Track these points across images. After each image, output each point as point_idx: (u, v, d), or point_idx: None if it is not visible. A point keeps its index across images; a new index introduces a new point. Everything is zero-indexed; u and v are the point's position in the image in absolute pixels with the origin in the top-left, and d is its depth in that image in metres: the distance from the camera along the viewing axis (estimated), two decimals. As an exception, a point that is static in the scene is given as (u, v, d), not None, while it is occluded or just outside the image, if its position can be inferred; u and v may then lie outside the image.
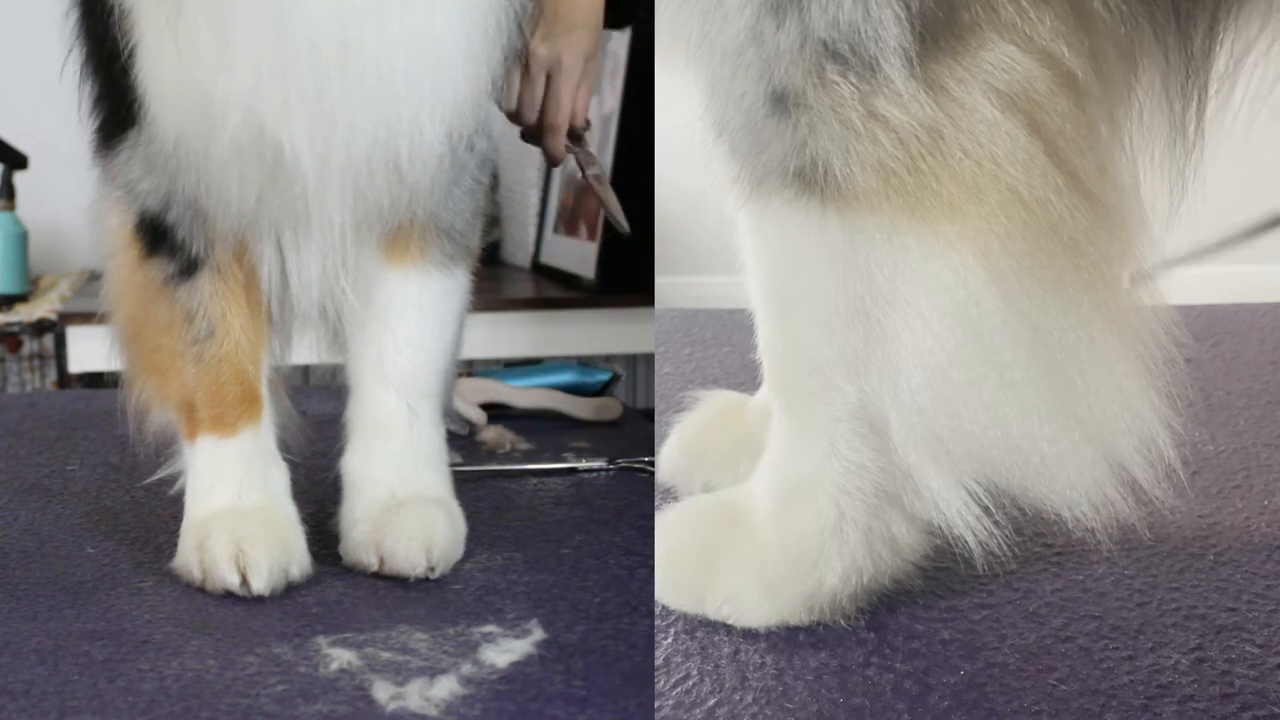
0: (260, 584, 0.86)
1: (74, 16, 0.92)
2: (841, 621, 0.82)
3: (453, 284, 0.97)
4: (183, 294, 0.91)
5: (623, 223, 1.07)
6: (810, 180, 0.76)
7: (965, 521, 0.79)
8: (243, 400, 0.92)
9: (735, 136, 0.79)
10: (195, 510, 0.92)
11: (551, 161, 1.08)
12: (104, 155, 0.92)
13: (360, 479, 0.95)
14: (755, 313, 0.83)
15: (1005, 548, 0.81)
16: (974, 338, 0.76)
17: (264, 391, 0.94)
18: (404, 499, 0.93)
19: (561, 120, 1.05)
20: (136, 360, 0.96)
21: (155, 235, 0.91)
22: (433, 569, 0.90)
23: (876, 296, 0.77)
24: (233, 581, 0.86)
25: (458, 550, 0.93)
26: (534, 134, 1.06)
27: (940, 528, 0.81)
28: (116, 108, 0.90)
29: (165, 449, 0.97)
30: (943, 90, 0.74)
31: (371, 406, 0.95)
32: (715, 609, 0.83)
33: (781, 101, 0.76)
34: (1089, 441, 0.78)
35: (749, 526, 0.83)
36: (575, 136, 1.08)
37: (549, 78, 1.03)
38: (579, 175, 1.09)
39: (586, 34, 1.04)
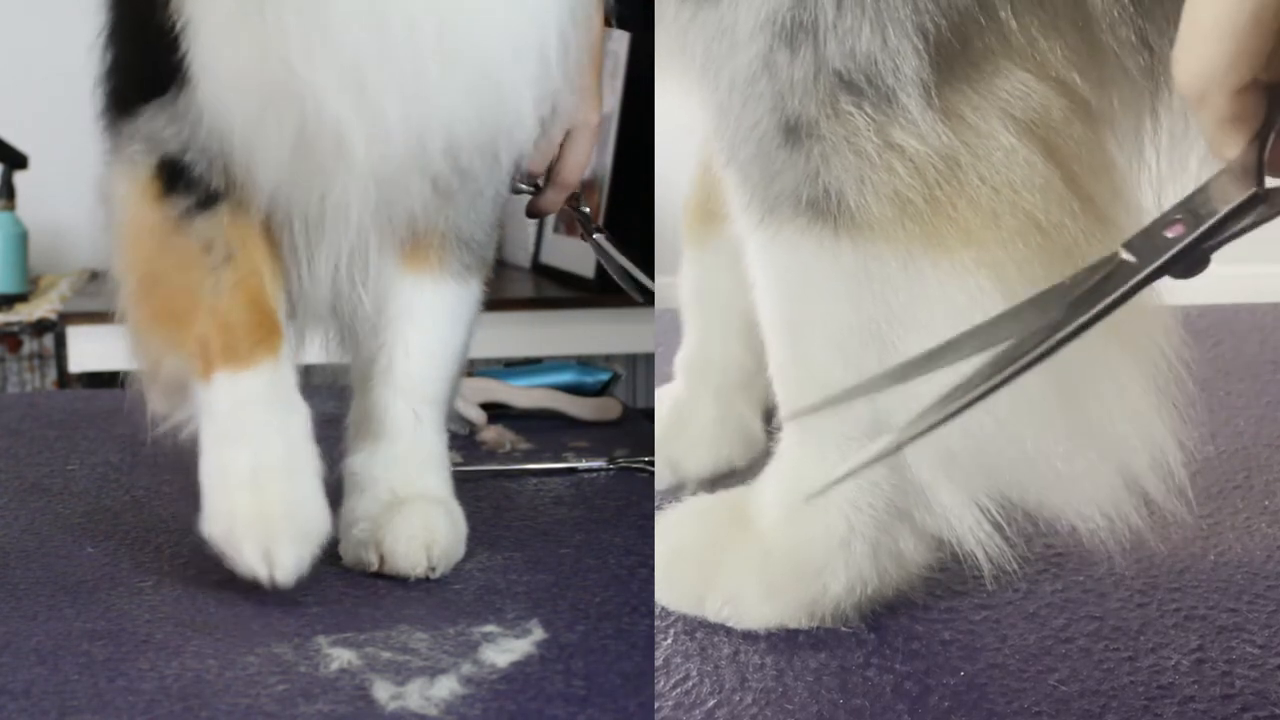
0: (287, 567, 0.84)
1: None
2: (842, 625, 0.82)
3: (467, 294, 0.97)
4: (200, 225, 0.88)
5: (648, 283, 1.07)
6: (824, 210, 0.76)
7: (977, 538, 0.79)
8: (260, 327, 0.89)
9: (746, 165, 0.78)
10: (212, 457, 0.88)
11: (539, 212, 1.07)
12: (118, 118, 0.90)
13: (361, 480, 0.94)
14: (764, 334, 0.83)
15: (1011, 557, 0.81)
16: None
17: (283, 322, 0.90)
18: (405, 499, 0.93)
19: (575, 180, 1.04)
20: (148, 309, 0.91)
21: (174, 173, 0.88)
22: (433, 569, 0.90)
23: (891, 320, 0.76)
24: (259, 564, 0.84)
25: (458, 550, 0.93)
26: (529, 182, 1.04)
27: (950, 543, 0.81)
28: (144, 77, 0.87)
29: (171, 416, 0.92)
30: (959, 118, 0.74)
31: (376, 410, 0.95)
32: (715, 610, 0.83)
33: (794, 132, 0.75)
34: (1104, 459, 0.78)
35: (753, 529, 0.83)
36: (574, 197, 1.07)
37: (569, 132, 1.02)
38: (584, 238, 1.09)
39: (599, 89, 1.02)
